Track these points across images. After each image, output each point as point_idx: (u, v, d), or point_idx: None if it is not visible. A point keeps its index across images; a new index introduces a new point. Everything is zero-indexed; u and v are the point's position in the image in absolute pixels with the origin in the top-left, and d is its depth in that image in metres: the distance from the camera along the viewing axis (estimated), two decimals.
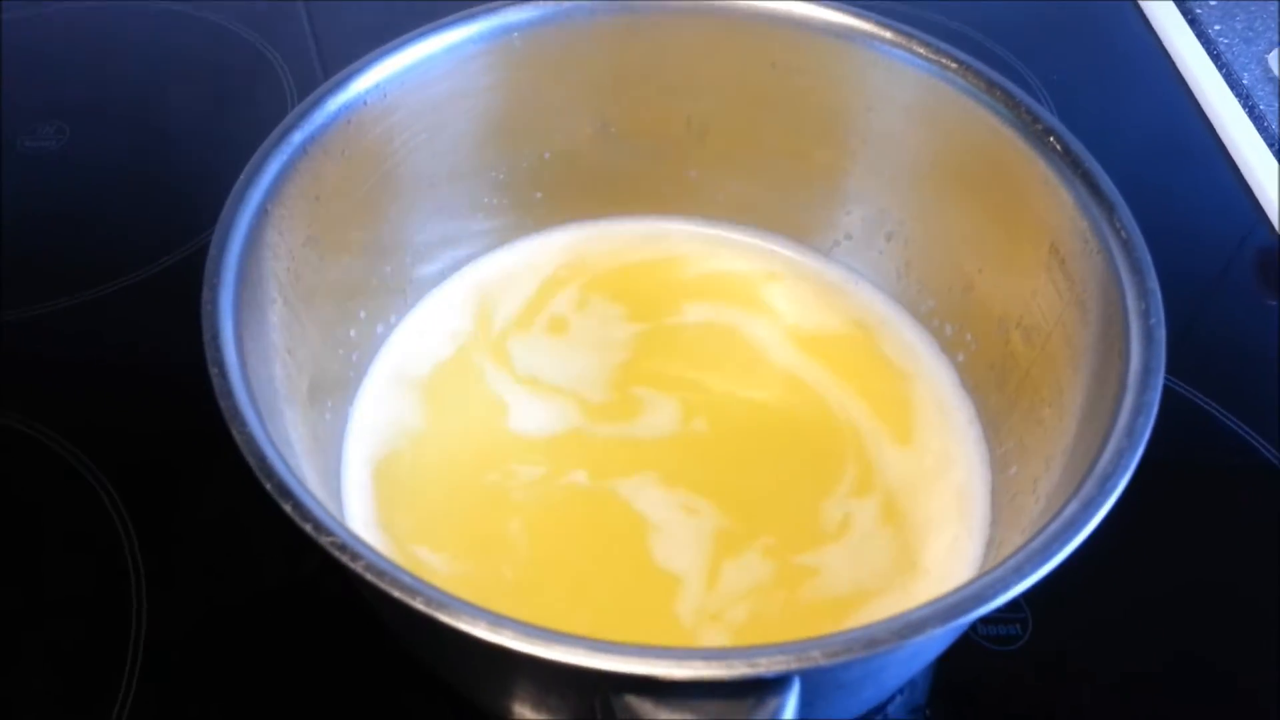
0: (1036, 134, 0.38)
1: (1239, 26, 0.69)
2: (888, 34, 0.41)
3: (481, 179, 0.46)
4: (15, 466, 0.45)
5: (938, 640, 0.32)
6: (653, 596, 0.38)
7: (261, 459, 0.28)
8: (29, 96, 0.62)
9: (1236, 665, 0.41)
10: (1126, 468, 0.29)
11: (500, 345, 0.45)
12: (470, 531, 0.39)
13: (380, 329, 0.44)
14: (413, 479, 0.41)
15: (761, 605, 0.37)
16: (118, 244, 0.54)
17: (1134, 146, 0.61)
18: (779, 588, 0.38)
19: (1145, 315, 0.33)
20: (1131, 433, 0.30)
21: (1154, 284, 0.33)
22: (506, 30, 0.42)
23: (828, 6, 0.42)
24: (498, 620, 0.25)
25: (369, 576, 0.26)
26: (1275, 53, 0.65)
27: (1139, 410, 0.30)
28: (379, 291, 0.44)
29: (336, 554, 0.27)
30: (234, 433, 0.29)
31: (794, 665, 0.25)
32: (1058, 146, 0.37)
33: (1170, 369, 0.32)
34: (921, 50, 0.41)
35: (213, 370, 0.30)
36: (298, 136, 0.37)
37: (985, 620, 0.41)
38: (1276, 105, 0.63)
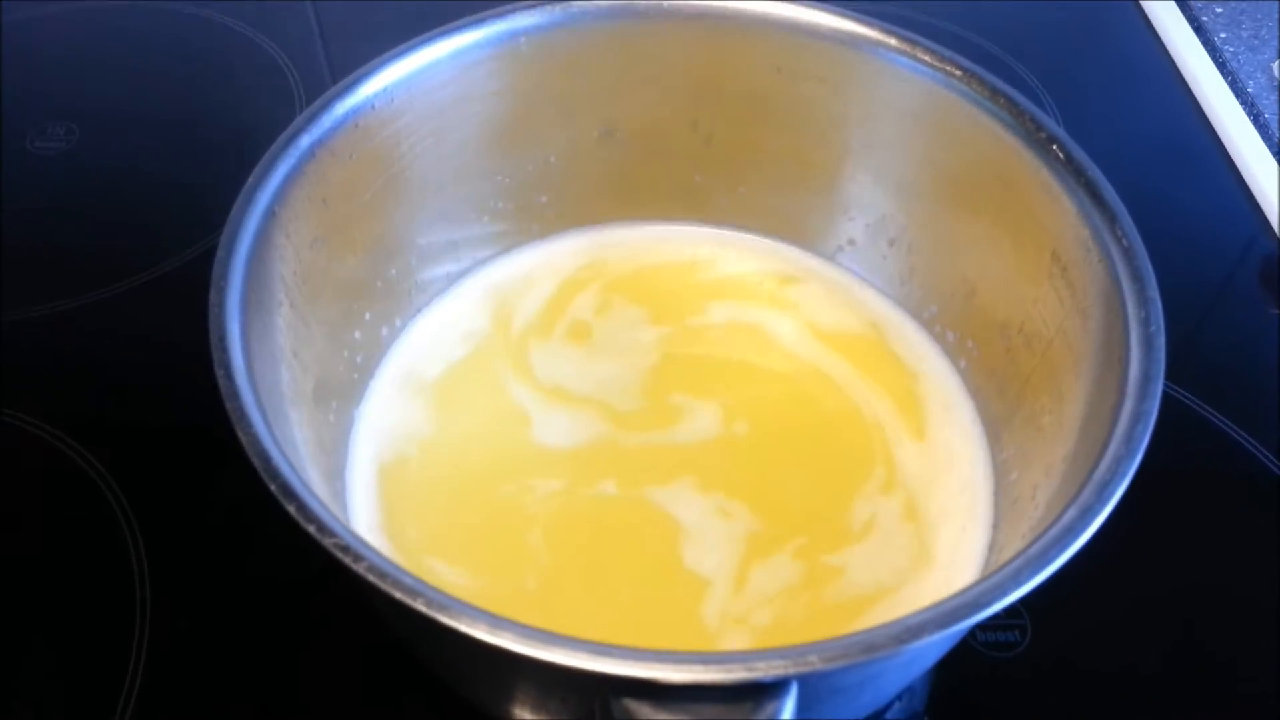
0: (1040, 142, 0.38)
1: (1245, 34, 0.69)
2: (893, 40, 0.41)
3: (487, 183, 0.46)
4: (23, 465, 0.45)
5: (936, 645, 0.32)
6: (679, 600, 0.38)
7: (266, 460, 0.29)
8: (39, 98, 0.62)
9: (1235, 672, 0.41)
10: (1124, 475, 0.29)
11: (520, 349, 0.45)
12: (482, 538, 0.39)
13: (385, 332, 0.44)
14: (420, 485, 0.41)
15: (786, 608, 0.37)
16: (126, 245, 0.54)
17: (1138, 153, 0.61)
18: (804, 589, 0.38)
19: (1145, 323, 0.33)
20: (1130, 441, 0.30)
21: (1154, 292, 0.33)
22: (514, 35, 0.42)
23: (833, 12, 0.42)
24: (497, 622, 0.26)
25: (371, 578, 0.26)
26: None
27: (1138, 418, 0.30)
28: (384, 294, 0.44)
29: (339, 555, 0.27)
30: (239, 434, 0.29)
31: (791, 670, 0.25)
32: (1060, 155, 0.37)
33: (1172, 377, 0.32)
34: (926, 57, 0.41)
35: (219, 372, 0.31)
36: (305, 140, 0.37)
37: (984, 627, 0.41)
38: None
